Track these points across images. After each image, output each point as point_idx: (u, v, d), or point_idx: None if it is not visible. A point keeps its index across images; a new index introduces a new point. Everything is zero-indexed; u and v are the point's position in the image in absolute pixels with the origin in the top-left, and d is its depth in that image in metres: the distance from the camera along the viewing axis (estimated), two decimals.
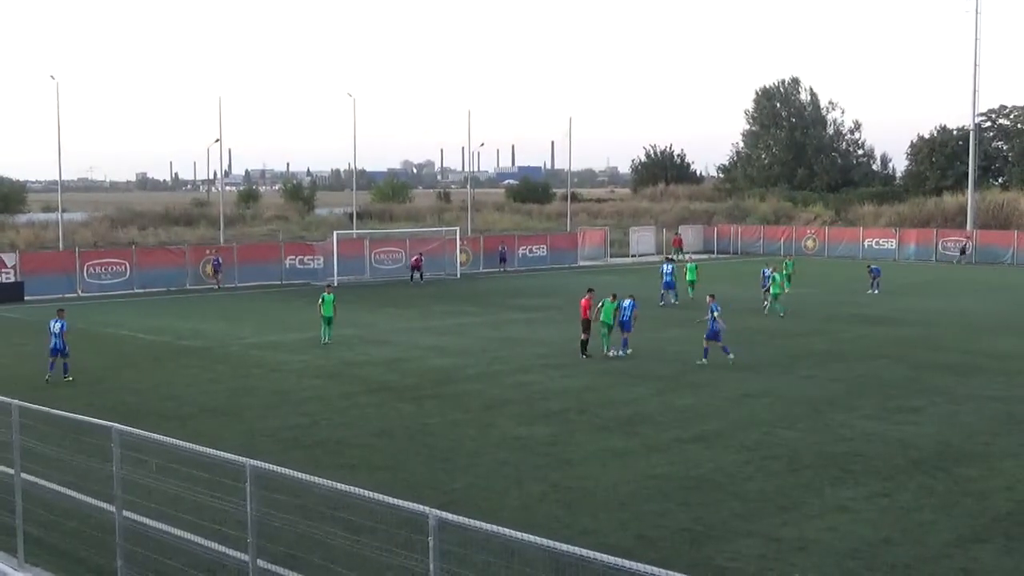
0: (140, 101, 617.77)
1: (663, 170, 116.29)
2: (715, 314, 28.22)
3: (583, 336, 29.08)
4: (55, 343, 26.06)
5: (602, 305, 29.03)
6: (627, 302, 29.63)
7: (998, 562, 13.17)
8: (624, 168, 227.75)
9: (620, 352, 29.30)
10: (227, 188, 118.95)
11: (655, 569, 7.14)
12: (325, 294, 32.02)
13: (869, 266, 49.86)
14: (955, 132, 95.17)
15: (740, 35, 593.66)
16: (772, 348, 30.97)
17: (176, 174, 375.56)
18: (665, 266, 44.79)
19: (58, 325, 26.16)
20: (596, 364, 28.05)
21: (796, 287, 47.28)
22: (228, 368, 27.85)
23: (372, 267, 57.41)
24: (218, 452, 11.38)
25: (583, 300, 29.50)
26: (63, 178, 58.13)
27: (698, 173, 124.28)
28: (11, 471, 13.07)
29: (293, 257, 55.18)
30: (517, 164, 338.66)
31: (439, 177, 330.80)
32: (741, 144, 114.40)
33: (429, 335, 34.12)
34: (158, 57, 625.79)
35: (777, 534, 14.17)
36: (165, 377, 26.53)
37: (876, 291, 47.01)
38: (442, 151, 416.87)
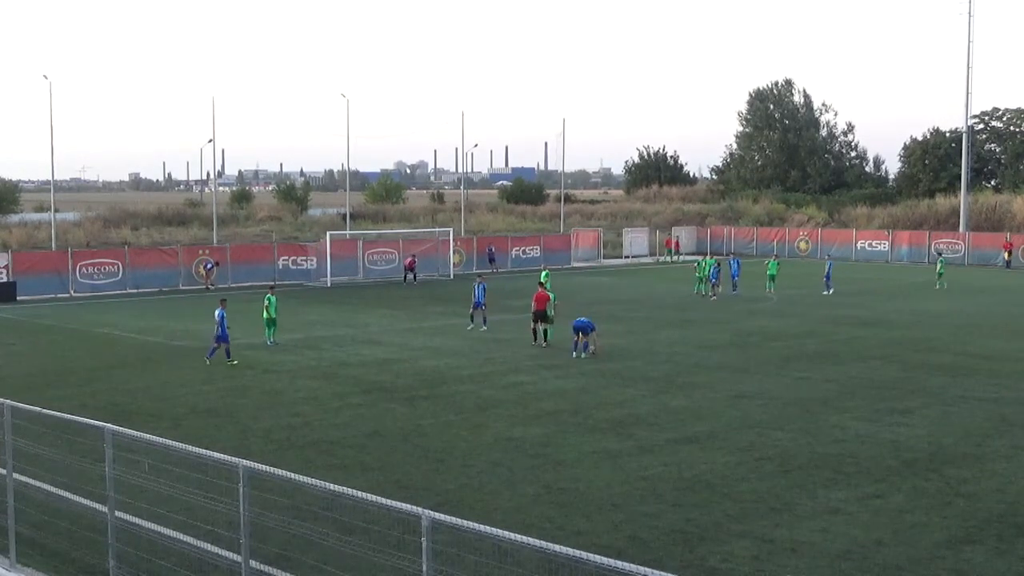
0: (133, 101, 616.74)
1: (656, 171, 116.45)
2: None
3: (538, 325, 31.29)
4: (219, 331, 28.20)
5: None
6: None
7: (990, 563, 13.20)
8: (617, 169, 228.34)
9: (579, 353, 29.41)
10: (220, 188, 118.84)
11: (648, 570, 7.16)
12: (269, 295, 32.19)
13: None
14: (948, 134, 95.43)
15: (733, 37, 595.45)
16: (765, 349, 31.02)
17: (169, 174, 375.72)
18: (709, 260, 47.64)
19: (218, 313, 28.26)
20: (588, 365, 28.06)
21: (790, 288, 47.35)
22: (221, 369, 27.80)
23: (365, 268, 57.37)
24: (211, 452, 11.37)
25: (538, 293, 32.10)
26: (56, 178, 57.97)
27: (691, 174, 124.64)
28: (3, 471, 13.04)
29: (286, 258, 55.07)
30: (510, 165, 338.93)
31: (432, 178, 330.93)
32: (734, 146, 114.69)
33: (422, 336, 34.11)
34: (151, 57, 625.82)
35: (770, 535, 14.19)
36: (158, 377, 26.47)
37: (828, 292, 46.46)
38: (436, 152, 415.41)
